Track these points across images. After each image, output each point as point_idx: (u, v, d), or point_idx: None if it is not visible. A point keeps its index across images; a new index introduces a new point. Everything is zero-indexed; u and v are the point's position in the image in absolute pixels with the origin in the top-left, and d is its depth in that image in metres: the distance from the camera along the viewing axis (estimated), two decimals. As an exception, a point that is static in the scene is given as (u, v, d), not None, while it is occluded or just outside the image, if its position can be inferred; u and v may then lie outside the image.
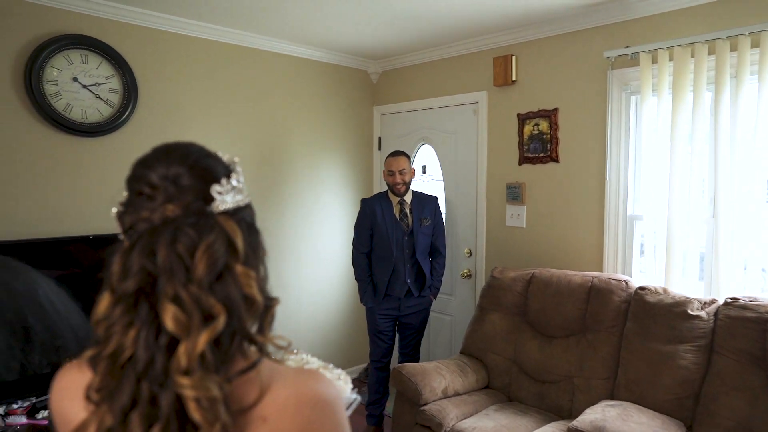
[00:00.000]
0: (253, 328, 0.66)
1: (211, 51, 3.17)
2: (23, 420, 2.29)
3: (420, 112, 3.82)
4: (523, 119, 3.21)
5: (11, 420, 2.26)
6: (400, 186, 3.02)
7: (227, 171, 0.68)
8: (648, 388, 2.28)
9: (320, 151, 3.82)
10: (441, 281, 3.19)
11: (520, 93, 3.24)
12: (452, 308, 3.67)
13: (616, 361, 2.44)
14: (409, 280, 3.06)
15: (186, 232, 0.61)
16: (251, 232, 0.70)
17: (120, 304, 0.60)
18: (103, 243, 2.60)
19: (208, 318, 0.59)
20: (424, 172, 3.88)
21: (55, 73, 2.57)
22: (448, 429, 2.34)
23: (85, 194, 2.72)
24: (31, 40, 2.50)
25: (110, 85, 2.74)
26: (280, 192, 3.59)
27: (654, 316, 2.36)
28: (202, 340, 0.58)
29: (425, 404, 2.46)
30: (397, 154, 3.07)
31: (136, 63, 2.84)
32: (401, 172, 3.01)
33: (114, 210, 0.64)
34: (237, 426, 0.59)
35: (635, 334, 2.40)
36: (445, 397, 2.53)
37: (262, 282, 0.69)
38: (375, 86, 4.14)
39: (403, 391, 2.52)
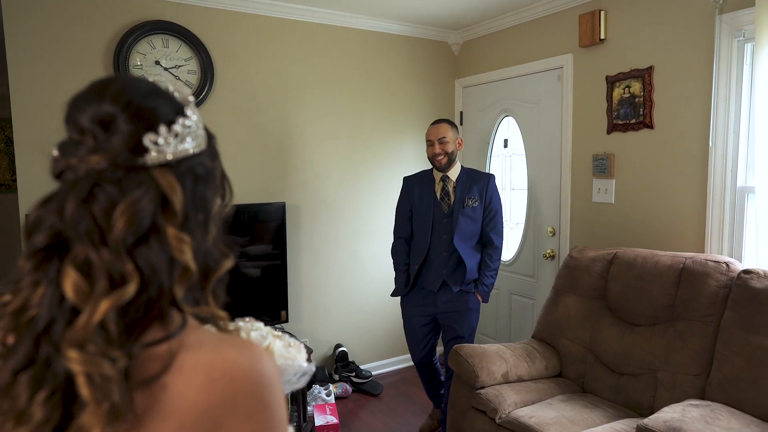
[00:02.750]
0: (184, 296, 0.59)
1: (284, 30, 3.25)
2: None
3: (502, 83, 3.58)
4: (612, 82, 2.85)
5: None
6: (440, 157, 2.59)
7: (174, 113, 0.59)
8: (747, 389, 1.91)
9: (399, 127, 3.75)
10: (493, 278, 2.64)
11: (609, 52, 2.88)
12: (535, 291, 3.42)
13: (709, 355, 2.08)
14: (444, 271, 2.59)
15: (105, 189, 0.54)
16: (200, 185, 0.61)
17: (30, 260, 0.55)
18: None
19: (119, 284, 0.53)
20: (505, 146, 3.64)
21: (139, 59, 2.79)
22: (503, 415, 2.17)
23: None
24: (119, 28, 2.75)
25: (189, 67, 2.93)
26: (356, 170, 3.59)
27: (760, 304, 1.97)
28: (102, 308, 0.52)
29: (482, 388, 2.30)
30: (437, 121, 2.67)
31: (213, 45, 2.99)
32: (441, 141, 2.58)
33: (54, 152, 0.59)
34: (140, 401, 0.53)
35: (735, 325, 2.02)
36: (506, 382, 2.36)
37: (206, 243, 0.62)
38: (456, 58, 3.96)
39: (459, 372, 2.38)
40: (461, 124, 3.96)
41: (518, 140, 3.50)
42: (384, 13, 3.40)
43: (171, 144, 0.58)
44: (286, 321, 3.18)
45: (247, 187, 3.18)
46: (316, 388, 3.26)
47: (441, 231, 2.62)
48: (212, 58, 2.99)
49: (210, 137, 0.66)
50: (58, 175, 0.57)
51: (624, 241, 2.82)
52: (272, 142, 3.26)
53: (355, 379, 3.51)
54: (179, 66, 2.90)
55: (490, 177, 2.69)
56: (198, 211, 0.61)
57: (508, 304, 3.62)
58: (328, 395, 3.25)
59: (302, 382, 0.88)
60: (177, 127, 0.58)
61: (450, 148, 2.62)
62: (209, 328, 0.71)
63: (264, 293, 3.09)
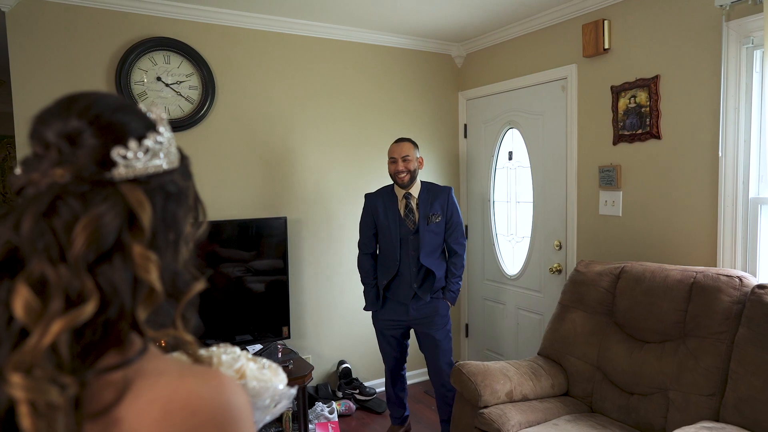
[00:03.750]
0: (148, 319, 0.55)
1: (285, 44, 3.24)
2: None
3: (505, 95, 3.54)
4: (617, 92, 2.79)
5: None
6: (403, 175, 2.68)
7: (145, 129, 0.56)
8: (764, 410, 1.81)
9: (401, 140, 3.71)
10: (459, 284, 2.77)
11: (613, 62, 2.83)
12: (541, 306, 3.33)
13: (723, 374, 1.99)
14: (415, 285, 2.71)
15: (68, 203, 0.51)
16: (171, 203, 0.58)
17: None
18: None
19: (76, 304, 0.49)
20: (510, 158, 3.59)
21: (141, 75, 2.80)
22: (507, 437, 2.09)
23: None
24: (120, 46, 2.76)
25: (190, 82, 2.93)
26: (358, 184, 3.55)
27: (776, 321, 1.88)
28: (54, 329, 0.48)
29: (485, 407, 2.23)
30: (400, 140, 2.76)
31: (214, 60, 3.00)
32: (404, 159, 2.67)
33: (16, 170, 0.56)
34: None
35: (750, 342, 1.93)
36: (510, 401, 2.28)
37: (175, 264, 0.59)
38: (460, 71, 3.94)
39: (462, 391, 2.31)
40: (465, 137, 3.92)
41: (523, 152, 3.45)
42: (385, 26, 3.39)
43: (141, 159, 0.55)
44: (288, 337, 3.13)
45: (248, 201, 3.16)
46: (319, 406, 3.20)
47: (408, 247, 2.72)
48: (213, 73, 2.99)
49: (183, 157, 0.63)
50: (18, 192, 0.54)
51: (632, 255, 2.74)
52: (274, 156, 3.24)
53: (358, 397, 3.44)
54: (181, 82, 2.90)
55: (450, 190, 2.80)
56: (168, 230, 0.58)
57: (514, 319, 3.54)
58: (331, 413, 3.18)
59: (281, 408, 0.82)
60: (148, 142, 0.56)
61: (412, 166, 2.70)
62: (178, 355, 0.67)
63: (266, 309, 3.05)
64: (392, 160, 2.73)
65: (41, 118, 0.55)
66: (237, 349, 0.83)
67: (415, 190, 2.76)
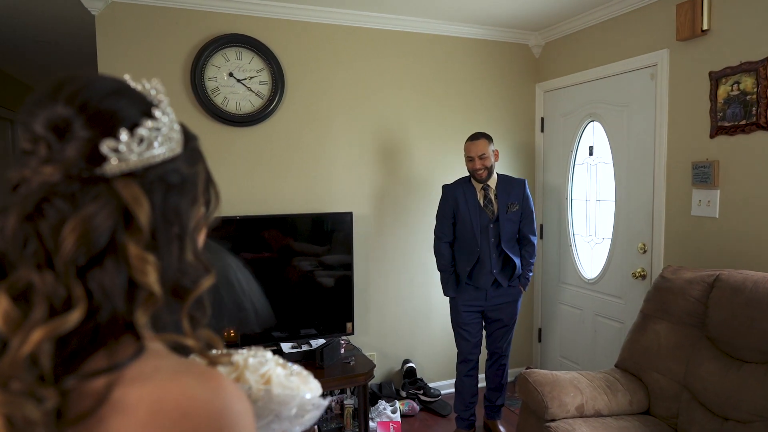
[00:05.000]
0: (150, 321, 0.51)
1: (355, 38, 3.22)
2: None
3: (587, 85, 3.29)
4: (716, 78, 2.49)
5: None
6: (480, 172, 2.76)
7: (139, 115, 0.52)
8: None
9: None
10: (532, 271, 2.90)
11: (713, 45, 2.52)
12: (621, 314, 3.07)
13: (842, 405, 1.70)
14: (495, 270, 2.80)
15: (55, 204, 0.48)
16: (173, 195, 0.54)
17: None
18: (241, 224, 2.84)
19: (61, 312, 0.46)
20: (590, 153, 3.33)
21: (214, 71, 2.89)
22: (576, 455, 1.92)
23: (236, 179, 3.00)
24: (196, 43, 2.86)
25: (260, 78, 2.98)
26: (428, 180, 3.47)
27: None
28: (33, 339, 0.45)
29: (552, 420, 2.07)
30: (475, 137, 2.78)
31: (283, 55, 3.03)
32: (481, 157, 2.74)
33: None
34: None
35: None
36: (581, 416, 2.10)
37: (181, 261, 0.54)
38: (537, 61, 3.72)
39: (527, 401, 2.16)
40: (542, 130, 3.70)
41: (605, 147, 3.19)
42: (459, 16, 3.26)
43: (134, 150, 0.50)
44: (352, 333, 3.11)
45: (315, 196, 3.17)
46: (382, 404, 3.16)
47: (489, 235, 2.81)
48: (283, 68, 3.02)
49: (188, 139, 0.58)
50: (15, 189, 0.51)
51: (729, 262, 2.43)
52: (342, 151, 3.23)
53: (423, 397, 3.36)
54: (251, 77, 2.96)
55: (524, 182, 2.90)
56: (170, 226, 0.53)
57: (592, 326, 3.29)
58: (393, 412, 3.13)
59: (309, 419, 0.78)
60: (142, 131, 0.51)
61: (489, 162, 2.77)
62: (193, 356, 0.63)
63: (331, 304, 3.05)
64: (469, 159, 2.80)
65: (29, 107, 0.51)
66: (268, 354, 0.79)
67: (492, 182, 2.84)
